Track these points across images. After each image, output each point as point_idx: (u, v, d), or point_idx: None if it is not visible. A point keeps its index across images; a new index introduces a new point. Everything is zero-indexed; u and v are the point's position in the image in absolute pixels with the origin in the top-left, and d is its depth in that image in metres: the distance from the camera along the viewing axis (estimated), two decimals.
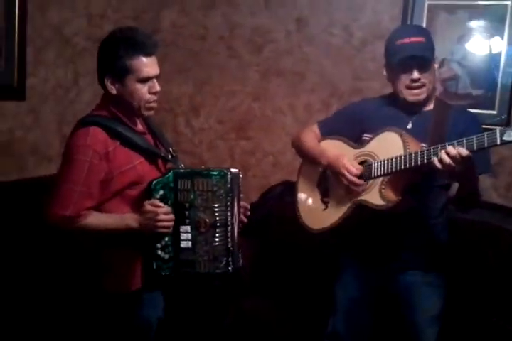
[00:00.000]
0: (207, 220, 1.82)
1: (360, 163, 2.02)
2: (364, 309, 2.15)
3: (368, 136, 2.05)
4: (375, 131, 2.01)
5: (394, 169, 1.87)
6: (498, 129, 1.66)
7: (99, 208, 1.82)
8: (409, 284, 2.04)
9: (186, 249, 1.83)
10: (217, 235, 1.83)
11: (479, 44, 2.75)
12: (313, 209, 2.16)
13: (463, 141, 1.71)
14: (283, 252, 2.91)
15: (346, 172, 1.97)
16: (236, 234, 1.90)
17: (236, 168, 1.94)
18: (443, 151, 1.71)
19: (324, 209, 2.12)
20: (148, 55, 1.82)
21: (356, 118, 2.12)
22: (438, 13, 2.81)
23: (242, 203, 1.96)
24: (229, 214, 1.85)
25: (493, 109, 2.73)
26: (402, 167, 1.85)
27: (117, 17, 3.02)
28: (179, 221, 1.82)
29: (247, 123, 3.31)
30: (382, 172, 1.92)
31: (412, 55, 1.92)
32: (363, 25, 2.98)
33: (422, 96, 1.98)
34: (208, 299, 2.78)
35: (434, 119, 1.97)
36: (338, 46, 3.05)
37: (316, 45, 3.10)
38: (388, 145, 1.92)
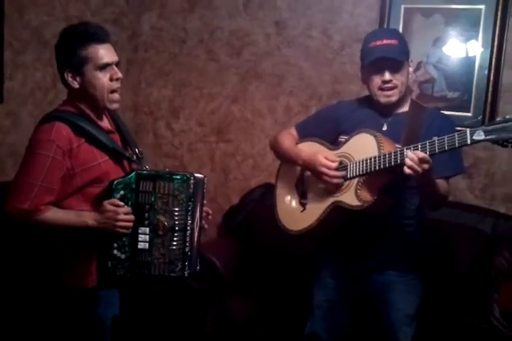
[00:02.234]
0: (166, 223, 1.82)
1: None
2: (342, 309, 2.17)
3: (344, 137, 2.08)
4: (351, 132, 2.03)
5: (369, 170, 1.90)
6: (468, 130, 1.71)
7: (59, 204, 1.82)
8: (386, 283, 2.07)
9: (143, 250, 1.83)
10: (175, 239, 1.83)
11: (455, 47, 2.80)
12: (292, 211, 2.18)
13: (434, 141, 1.75)
14: (264, 253, 2.92)
15: (324, 168, 1.99)
16: (196, 238, 1.90)
17: (201, 174, 1.94)
18: (408, 155, 1.76)
19: (302, 211, 2.14)
20: (102, 42, 1.82)
21: (333, 120, 2.15)
22: (414, 16, 2.85)
23: (204, 208, 1.96)
24: (189, 218, 1.85)
25: (468, 111, 2.77)
26: (377, 168, 1.88)
27: (96, 20, 3.01)
28: (138, 222, 1.83)
29: (226, 126, 3.33)
30: (357, 173, 1.94)
31: (382, 56, 1.95)
32: (341, 29, 3.01)
33: (394, 98, 2.01)
34: (187, 301, 2.78)
35: (409, 121, 2.00)
36: (316, 49, 3.07)
37: (295, 48, 3.12)
38: (363, 147, 1.95)
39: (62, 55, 1.85)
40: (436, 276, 2.44)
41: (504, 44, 2.69)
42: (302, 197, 2.15)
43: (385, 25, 2.88)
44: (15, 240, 2.33)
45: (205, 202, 1.95)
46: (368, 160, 1.90)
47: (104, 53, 1.82)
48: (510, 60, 2.71)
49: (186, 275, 1.86)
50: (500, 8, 2.67)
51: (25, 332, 2.41)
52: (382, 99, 2.02)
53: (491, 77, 2.71)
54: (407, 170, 1.76)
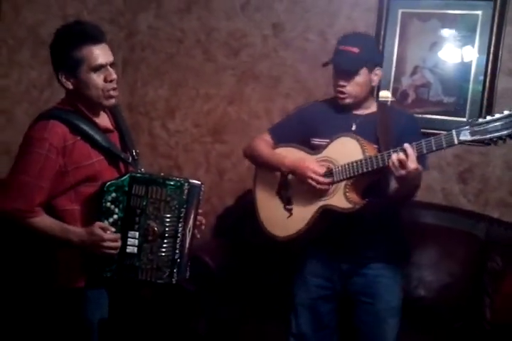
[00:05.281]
0: (156, 229, 1.80)
1: None
2: (326, 305, 2.18)
3: (318, 140, 2.11)
4: (324, 135, 2.08)
5: (356, 172, 1.95)
6: (453, 130, 1.77)
7: (50, 202, 1.80)
8: (370, 276, 2.10)
9: (131, 254, 1.80)
10: (164, 245, 1.80)
11: (451, 52, 2.81)
12: (277, 217, 2.17)
13: (421, 142, 1.82)
14: (258, 255, 2.92)
15: (313, 174, 2.01)
16: (187, 246, 1.88)
17: (199, 181, 1.89)
18: (393, 156, 1.83)
19: (289, 217, 2.14)
20: (96, 42, 1.79)
21: (304, 122, 2.17)
22: (411, 20, 2.86)
23: (198, 217, 1.93)
24: (180, 225, 1.82)
25: (463, 116, 2.78)
26: (364, 170, 1.93)
27: (93, 19, 3.00)
28: (128, 225, 1.80)
29: (222, 127, 3.32)
30: (344, 176, 1.98)
31: (334, 64, 2.06)
32: (339, 32, 2.97)
33: (347, 101, 2.08)
34: (180, 304, 2.77)
35: (379, 121, 2.06)
36: (313, 51, 3.08)
37: (292, 50, 3.13)
38: (346, 150, 2.00)
39: (56, 56, 1.83)
40: (429, 280, 2.46)
41: (500, 50, 2.71)
42: (287, 203, 2.16)
43: (382, 30, 2.90)
44: (4, 238, 2.31)
45: (200, 211, 1.92)
46: (355, 163, 1.95)
47: (99, 54, 1.79)
48: (506, 65, 2.73)
49: (174, 282, 1.84)
50: (496, 14, 2.69)
51: (14, 331, 2.40)
52: (339, 100, 2.10)
53: (487, 83, 2.73)
54: (394, 172, 1.83)
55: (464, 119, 2.76)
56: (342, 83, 2.05)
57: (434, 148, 1.80)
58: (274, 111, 3.20)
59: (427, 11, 2.83)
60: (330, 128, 2.07)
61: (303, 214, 2.08)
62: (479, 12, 2.73)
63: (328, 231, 2.09)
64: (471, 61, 2.77)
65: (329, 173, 2.02)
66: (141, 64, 3.48)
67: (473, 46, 2.76)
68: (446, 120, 2.79)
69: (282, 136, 2.21)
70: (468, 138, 1.74)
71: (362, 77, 2.04)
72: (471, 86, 2.77)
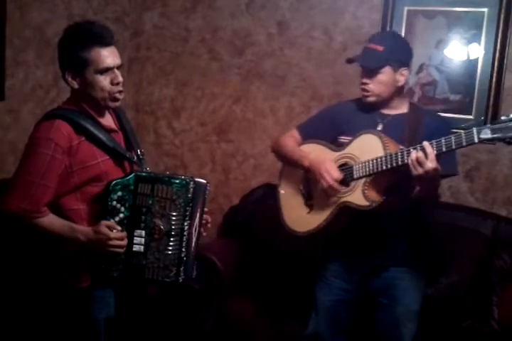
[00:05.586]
0: (162, 227, 1.80)
1: (341, 165, 2.06)
2: (345, 309, 2.18)
3: (344, 138, 2.10)
4: (350, 133, 2.07)
5: (375, 170, 1.93)
6: (474, 128, 1.73)
7: (56, 202, 1.80)
8: (391, 279, 2.09)
9: (138, 253, 1.80)
10: (170, 244, 1.81)
11: (457, 50, 2.80)
12: (298, 212, 2.18)
13: (441, 140, 1.79)
14: (264, 254, 2.92)
15: (327, 176, 2.01)
16: (193, 244, 1.88)
17: (204, 179, 1.90)
18: (412, 154, 1.81)
19: (308, 212, 2.15)
20: (105, 45, 1.79)
21: (333, 120, 2.17)
22: (417, 18, 2.85)
23: (204, 216, 1.93)
24: (186, 224, 1.82)
25: (470, 113, 2.77)
26: (384, 167, 1.91)
27: (98, 18, 3.00)
28: (134, 224, 1.80)
29: (228, 126, 3.32)
30: (364, 174, 1.96)
31: (358, 61, 2.06)
32: (344, 30, 3.01)
33: (370, 99, 2.07)
34: (187, 302, 2.78)
35: (409, 122, 2.04)
36: (318, 50, 3.07)
37: (297, 49, 3.12)
38: (368, 147, 1.98)
39: (63, 55, 1.82)
40: (437, 278, 2.44)
41: (507, 47, 2.69)
42: (308, 199, 2.16)
43: (388, 27, 2.88)
44: (11, 237, 2.32)
45: (206, 209, 1.92)
46: (375, 160, 1.93)
47: (107, 57, 1.78)
48: None
49: (180, 280, 1.84)
50: (503, 11, 2.68)
51: (20, 330, 2.40)
52: (363, 98, 2.10)
53: (493, 80, 2.71)
54: (412, 171, 1.80)
55: (471, 117, 2.75)
56: (365, 80, 2.06)
57: (453, 146, 1.76)
58: (279, 109, 3.20)
59: (432, 9, 2.82)
60: (356, 127, 2.06)
61: (322, 210, 2.08)
62: (485, 9, 2.71)
63: (349, 231, 2.08)
64: (478, 58, 2.76)
65: (348, 169, 2.02)
66: (147, 63, 3.48)
67: (479, 44, 2.74)
68: (452, 118, 2.77)
69: (310, 133, 2.21)
70: (489, 136, 1.70)
71: (385, 75, 2.03)
72: (477, 83, 2.76)
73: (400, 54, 2.07)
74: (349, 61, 2.10)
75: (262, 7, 3.17)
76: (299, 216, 2.17)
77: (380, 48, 2.02)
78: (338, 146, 2.11)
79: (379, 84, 2.04)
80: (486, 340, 2.41)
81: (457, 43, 2.79)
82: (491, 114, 2.73)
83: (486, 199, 2.79)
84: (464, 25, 2.76)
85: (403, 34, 2.86)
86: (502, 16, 2.67)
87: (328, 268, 2.20)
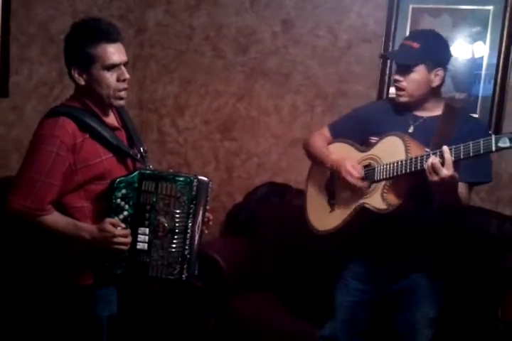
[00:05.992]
0: (166, 225, 1.80)
1: (366, 167, 2.04)
2: (364, 310, 2.16)
3: (374, 138, 2.07)
4: (380, 134, 2.02)
5: (395, 173, 1.89)
6: (493, 136, 1.69)
7: (60, 200, 1.80)
8: (411, 285, 2.06)
9: (142, 250, 1.80)
10: (174, 241, 1.81)
11: (462, 48, 2.78)
12: (320, 210, 2.18)
13: (460, 147, 1.73)
14: (267, 252, 2.91)
15: (348, 176, 2.00)
16: (196, 242, 1.88)
17: (207, 177, 1.90)
18: (429, 160, 1.76)
19: (330, 212, 2.14)
20: (112, 41, 1.79)
21: (364, 121, 2.14)
22: (422, 16, 2.84)
23: (206, 214, 1.93)
24: (190, 221, 1.82)
25: (475, 112, 2.76)
26: (403, 172, 1.87)
27: (103, 15, 3.00)
28: (138, 222, 1.81)
29: (232, 124, 3.32)
30: (384, 176, 1.93)
31: (392, 58, 2.02)
32: (349, 28, 3.00)
33: (402, 99, 2.02)
34: (190, 300, 2.77)
35: (441, 125, 1.98)
36: (323, 48, 3.06)
37: (302, 47, 3.11)
38: (391, 150, 1.94)
39: (70, 51, 1.83)
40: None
41: None
42: (331, 198, 2.16)
43: (393, 26, 2.87)
44: (14, 235, 2.32)
45: (208, 207, 1.92)
46: (395, 164, 1.89)
47: (113, 53, 1.79)
48: None
49: (184, 278, 1.84)
50: (508, 9, 2.66)
51: (23, 328, 2.40)
52: (395, 97, 2.05)
53: (499, 79, 2.70)
54: (428, 177, 1.76)
55: (476, 116, 2.74)
56: (397, 77, 2.01)
57: (471, 154, 1.71)
58: (283, 107, 3.19)
59: (437, 7, 2.81)
60: (387, 128, 2.01)
61: (342, 210, 2.07)
62: (490, 7, 2.70)
63: (372, 234, 2.06)
64: (483, 56, 2.74)
65: (371, 171, 1.99)
66: (151, 61, 3.48)
67: (484, 42, 2.73)
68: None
69: (340, 132, 2.19)
70: (507, 145, 1.65)
71: (418, 74, 1.98)
72: (482, 82, 2.75)
73: (436, 53, 2.01)
74: (381, 56, 2.07)
75: (266, 5, 3.16)
76: (321, 215, 2.17)
77: (416, 45, 1.97)
78: (368, 147, 2.08)
79: (412, 83, 1.98)
80: (490, 340, 2.39)
81: (462, 41, 2.78)
82: (496, 113, 2.71)
83: (491, 199, 2.78)
84: (470, 24, 2.75)
85: (408, 32, 2.85)
86: (507, 14, 2.66)
87: (347, 268, 2.18)
